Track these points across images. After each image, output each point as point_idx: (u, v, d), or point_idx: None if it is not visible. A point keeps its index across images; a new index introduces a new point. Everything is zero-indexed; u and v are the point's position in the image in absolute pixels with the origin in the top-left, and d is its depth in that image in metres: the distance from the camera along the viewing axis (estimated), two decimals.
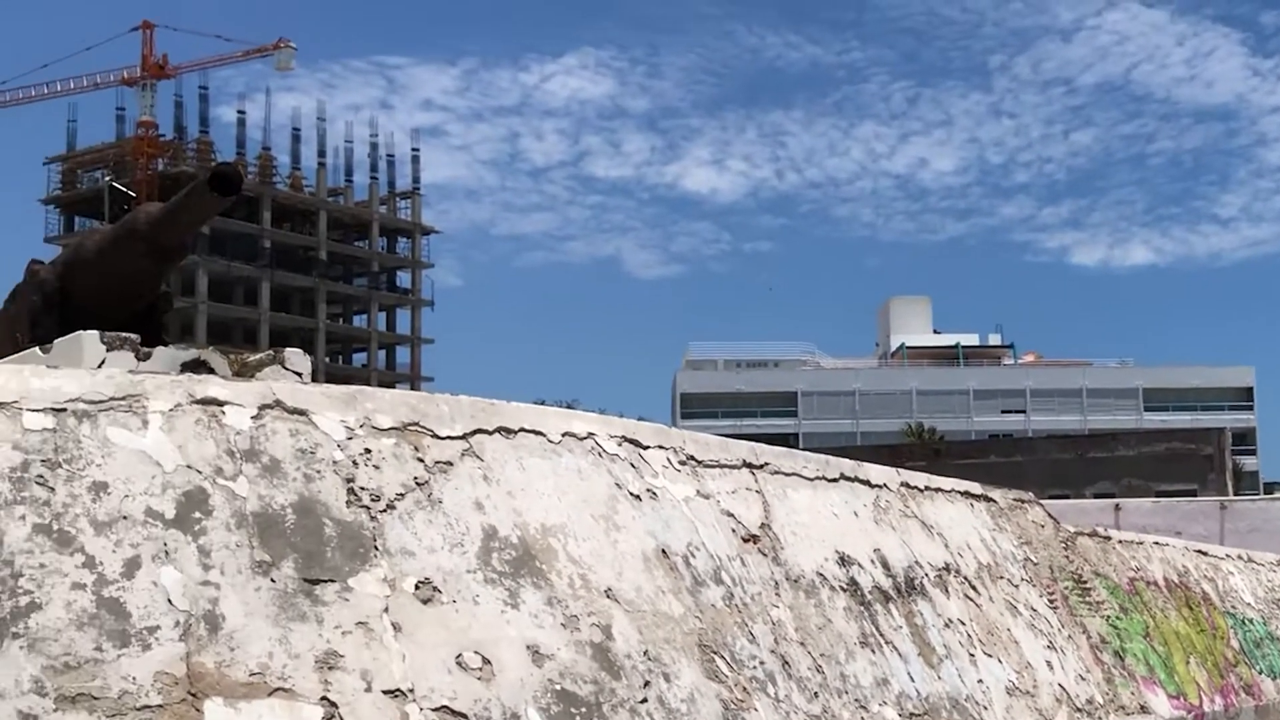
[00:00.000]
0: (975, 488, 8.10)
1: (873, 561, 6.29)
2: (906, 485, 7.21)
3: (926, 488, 7.45)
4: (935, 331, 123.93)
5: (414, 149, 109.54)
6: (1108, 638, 8.56)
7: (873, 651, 5.76)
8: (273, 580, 3.88)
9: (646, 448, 5.39)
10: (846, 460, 6.80)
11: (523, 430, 4.88)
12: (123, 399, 4.04)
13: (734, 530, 5.49)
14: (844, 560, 6.06)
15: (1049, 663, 7.41)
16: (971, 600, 6.99)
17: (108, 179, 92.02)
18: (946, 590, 6.79)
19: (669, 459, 5.46)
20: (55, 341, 5.17)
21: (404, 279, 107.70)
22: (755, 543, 5.56)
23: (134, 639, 3.57)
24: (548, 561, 4.51)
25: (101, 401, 4.00)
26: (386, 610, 4.01)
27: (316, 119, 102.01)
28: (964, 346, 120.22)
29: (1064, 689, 7.39)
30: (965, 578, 7.10)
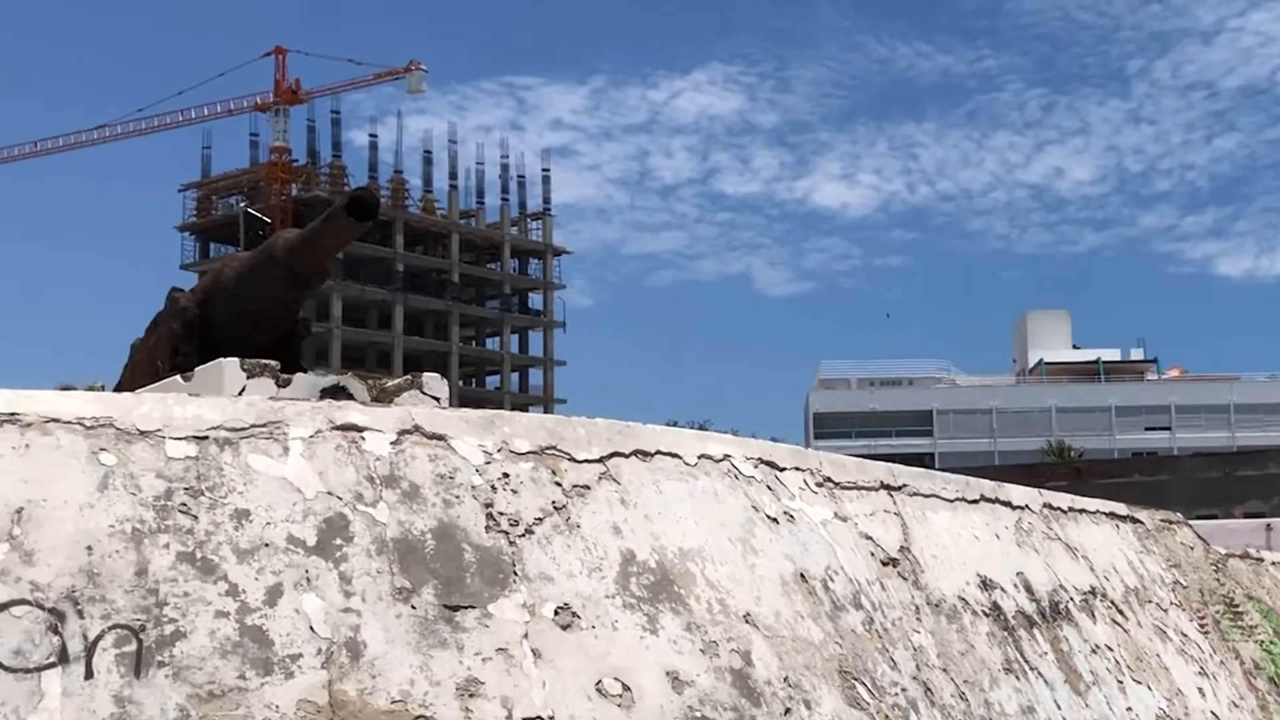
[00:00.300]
0: (1121, 508, 7.93)
1: (1016, 585, 6.17)
2: (1049, 506, 7.07)
3: (1070, 509, 7.30)
4: (1074, 346, 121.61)
5: (544, 169, 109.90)
6: (1262, 663, 8.32)
7: (1017, 678, 5.64)
8: (413, 607, 3.88)
9: (783, 470, 5.32)
10: (986, 481, 6.68)
11: (659, 453, 4.85)
12: (264, 426, 4.07)
13: (873, 553, 5.40)
14: (986, 584, 5.95)
15: (1200, 690, 7.22)
16: (1119, 625, 6.83)
17: (243, 205, 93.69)
18: (1093, 615, 6.64)
19: (805, 481, 5.40)
20: (196, 369, 5.23)
21: (536, 300, 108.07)
22: (895, 566, 5.47)
23: (277, 667, 3.59)
24: (686, 586, 4.47)
25: (243, 429, 4.03)
26: (526, 636, 4.00)
27: (448, 141, 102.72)
28: (1105, 362, 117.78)
29: (1216, 717, 7.19)
30: (1112, 602, 6.94)
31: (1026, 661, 5.80)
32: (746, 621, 4.52)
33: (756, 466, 5.18)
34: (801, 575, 4.89)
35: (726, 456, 5.08)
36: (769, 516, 5.00)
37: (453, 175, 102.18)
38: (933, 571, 5.66)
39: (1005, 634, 5.81)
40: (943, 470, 6.58)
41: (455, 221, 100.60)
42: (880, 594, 5.22)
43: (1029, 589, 6.26)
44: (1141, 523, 8.08)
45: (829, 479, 5.53)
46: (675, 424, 5.89)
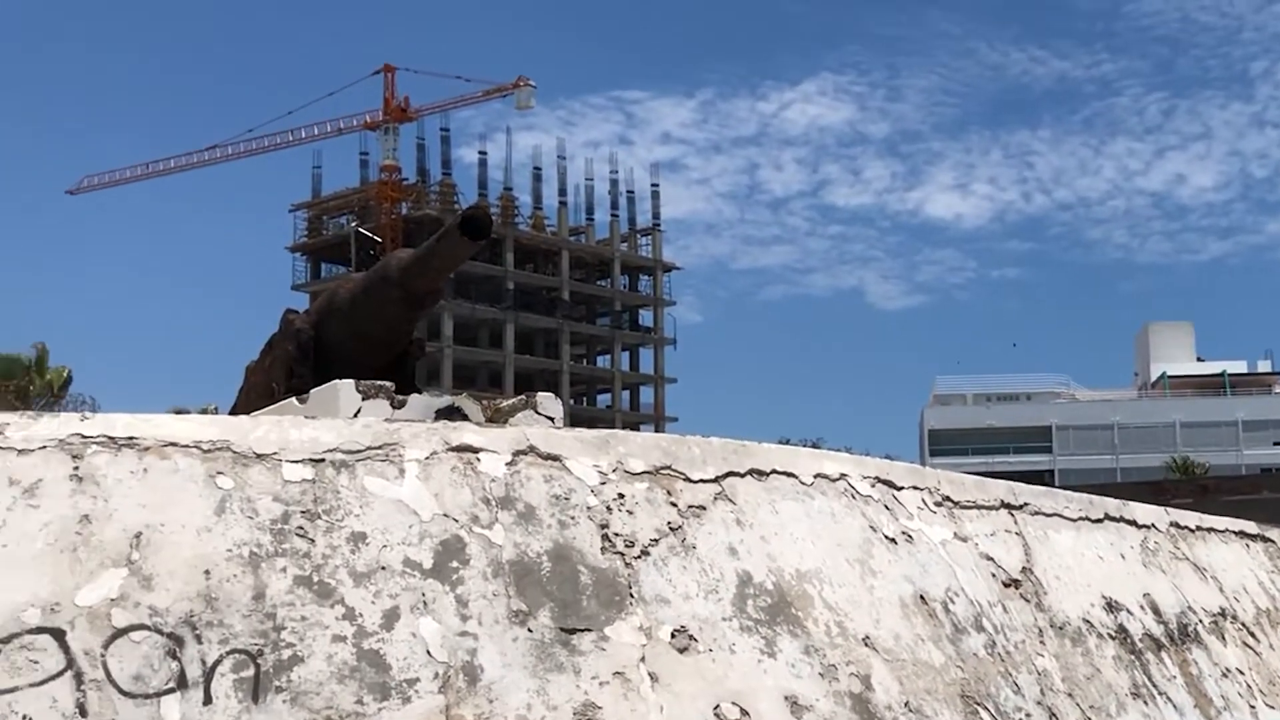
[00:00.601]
0: (1251, 527, 7.73)
1: (1142, 607, 6.02)
2: (1176, 525, 6.90)
3: (1198, 527, 7.13)
4: (1199, 359, 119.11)
5: (654, 184, 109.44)
6: None
7: (1145, 703, 5.50)
8: (530, 630, 3.86)
9: (900, 489, 5.25)
10: (1110, 499, 6.54)
11: (774, 472, 4.79)
12: (379, 448, 4.07)
13: (994, 575, 5.30)
14: (1111, 606, 5.81)
15: None
16: (1250, 648, 6.65)
17: (353, 225, 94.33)
18: (1223, 637, 6.47)
19: (924, 500, 5.31)
20: (311, 391, 5.25)
21: (646, 317, 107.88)
22: (1017, 588, 5.36)
23: (394, 691, 3.58)
24: (804, 608, 4.40)
25: (359, 451, 4.03)
26: (643, 660, 3.95)
27: (557, 157, 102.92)
28: (1231, 374, 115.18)
29: None
30: (1243, 624, 6.76)
31: (1155, 686, 5.66)
32: (866, 644, 4.45)
33: (874, 485, 5.11)
34: (921, 597, 4.81)
35: (843, 475, 5.01)
36: (887, 537, 4.93)
37: (562, 192, 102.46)
38: (1056, 593, 5.54)
39: (1132, 657, 5.68)
40: (1062, 488, 6.44)
41: (565, 238, 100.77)
42: (1002, 616, 5.12)
43: (1156, 611, 6.11)
44: (1273, 541, 7.88)
45: (948, 498, 5.44)
46: (788, 442, 5.80)
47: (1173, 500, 10.57)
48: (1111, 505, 6.44)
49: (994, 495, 5.71)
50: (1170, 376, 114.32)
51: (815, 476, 4.91)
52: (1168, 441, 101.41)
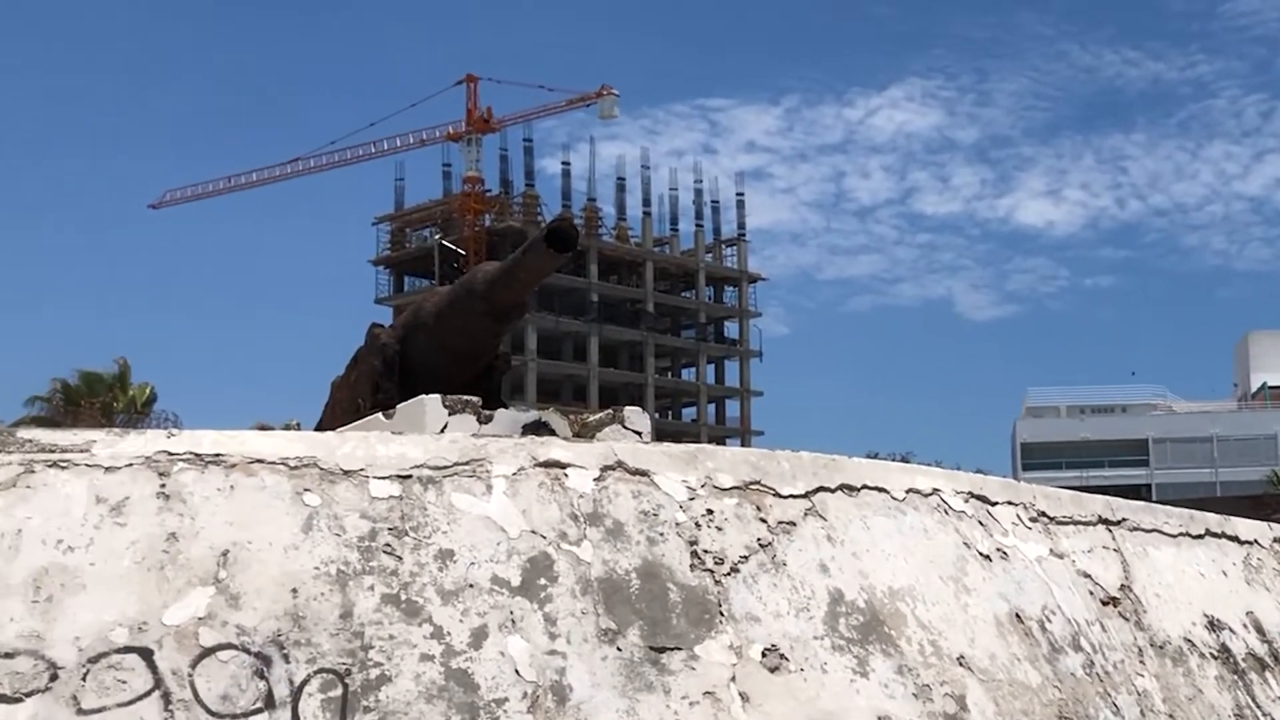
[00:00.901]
0: None
1: (1245, 626, 5.88)
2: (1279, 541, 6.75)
3: None
4: None
5: (738, 193, 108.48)
6: None
7: None
8: (619, 649, 3.81)
9: (995, 504, 5.15)
10: (1211, 515, 6.40)
11: (865, 487, 4.72)
12: (466, 464, 4.04)
13: (1091, 592, 5.19)
14: (1213, 624, 5.68)
15: None
16: None
17: (437, 237, 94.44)
18: None
19: (1019, 516, 5.21)
20: (398, 406, 5.24)
21: (731, 329, 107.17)
22: (1115, 606, 5.25)
23: (482, 711, 3.53)
24: (896, 627, 4.32)
25: (446, 467, 4.00)
26: (734, 679, 3.90)
27: (641, 167, 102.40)
28: None
29: None
30: None
31: (1259, 707, 5.52)
32: (960, 664, 4.36)
33: (967, 501, 5.02)
34: (1017, 615, 4.71)
35: (935, 491, 4.93)
36: (981, 553, 4.83)
37: (646, 202, 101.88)
38: (1156, 611, 5.42)
39: (1235, 677, 5.54)
40: (1160, 503, 6.31)
41: (649, 249, 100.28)
42: (1100, 635, 5.01)
43: (1260, 630, 5.96)
44: None
45: (1043, 513, 5.34)
46: (876, 456, 5.73)
47: (1275, 515, 10.34)
48: (1212, 520, 6.31)
49: (1091, 511, 5.60)
50: (1271, 387, 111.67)
51: (907, 492, 4.83)
52: (1269, 454, 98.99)
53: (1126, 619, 5.25)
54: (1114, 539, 5.57)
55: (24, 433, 3.79)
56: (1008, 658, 4.53)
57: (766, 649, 4.01)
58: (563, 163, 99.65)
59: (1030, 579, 4.93)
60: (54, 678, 3.32)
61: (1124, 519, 5.73)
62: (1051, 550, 5.19)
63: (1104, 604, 5.20)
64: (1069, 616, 4.93)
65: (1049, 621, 4.82)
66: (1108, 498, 5.86)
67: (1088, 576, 5.24)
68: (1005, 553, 4.94)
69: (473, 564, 3.81)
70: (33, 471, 3.65)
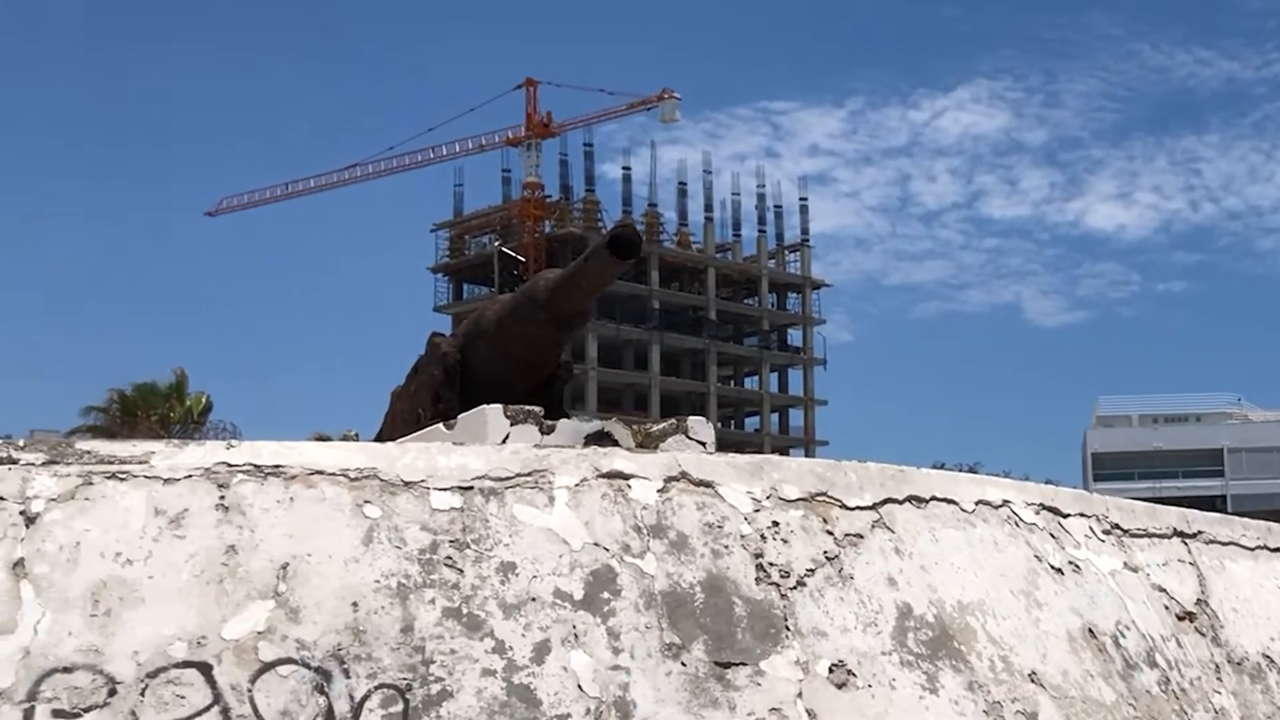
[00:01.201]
0: None
1: None
2: None
3: None
4: None
5: (802, 198, 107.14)
6: None
7: None
8: (683, 664, 3.75)
9: (1066, 516, 5.06)
10: None
11: (934, 499, 4.64)
12: (528, 475, 3.99)
13: (1167, 607, 5.09)
14: None
15: None
16: None
17: (496, 244, 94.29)
18: None
19: (1091, 528, 5.12)
20: (459, 417, 5.20)
21: (795, 337, 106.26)
22: (1191, 621, 5.14)
23: None
24: (966, 642, 4.25)
25: (508, 478, 3.96)
26: (800, 696, 3.83)
27: (703, 171, 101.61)
28: None
29: None
30: None
31: None
32: (1032, 681, 4.28)
33: (1038, 513, 4.94)
34: (1090, 631, 4.63)
35: (1006, 502, 4.84)
36: (1053, 567, 4.75)
37: (708, 207, 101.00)
38: (1233, 626, 5.31)
39: None
40: (1235, 514, 6.18)
41: (711, 255, 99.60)
42: (1176, 651, 4.91)
43: None
44: None
45: (1116, 525, 5.24)
46: (943, 466, 5.63)
47: None
48: None
49: (1166, 523, 5.49)
50: None
51: (977, 503, 4.75)
52: None
53: (1203, 634, 5.15)
54: (1189, 552, 5.47)
55: (82, 444, 3.78)
56: (1081, 674, 4.44)
57: (834, 665, 3.95)
58: (623, 167, 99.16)
59: (1103, 593, 4.84)
60: (112, 693, 3.29)
61: (1200, 531, 5.63)
62: (1125, 564, 5.10)
63: (1179, 619, 5.11)
64: (1143, 632, 4.84)
65: (1123, 637, 4.73)
66: (1182, 509, 5.75)
67: (1163, 591, 5.15)
68: (1078, 566, 4.85)
69: (535, 577, 3.76)
70: (91, 483, 3.63)
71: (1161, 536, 5.41)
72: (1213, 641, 5.16)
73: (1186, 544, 5.50)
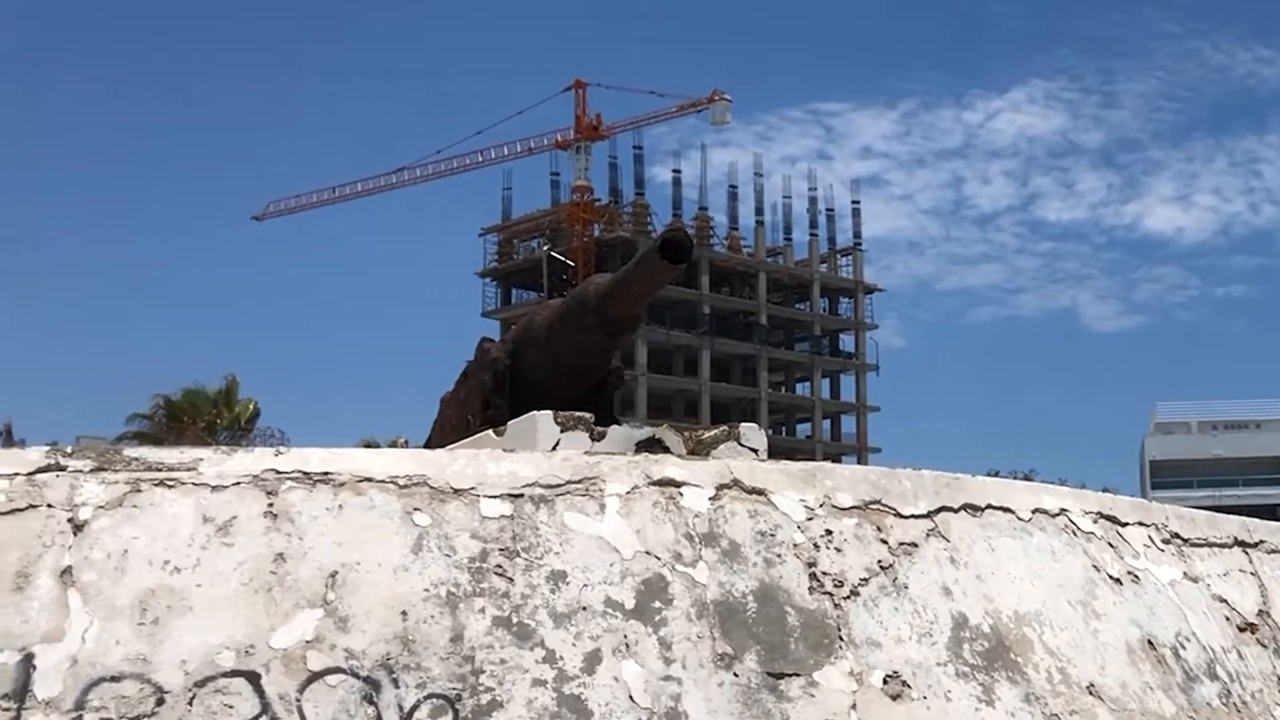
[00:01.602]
0: None
1: None
2: None
3: None
4: None
5: (854, 201, 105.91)
6: None
7: None
8: (735, 674, 3.71)
9: (1125, 525, 4.99)
10: None
11: (990, 507, 4.58)
12: (579, 482, 3.96)
13: (1228, 618, 5.02)
14: None
15: None
16: None
17: (545, 248, 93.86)
18: None
19: (1150, 537, 5.04)
20: (509, 423, 5.17)
21: (847, 342, 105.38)
22: (1253, 632, 5.06)
23: None
24: (1023, 653, 4.18)
25: (558, 485, 3.92)
26: (854, 707, 3.78)
27: (754, 174, 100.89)
28: None
29: None
30: None
31: None
32: (1090, 693, 4.22)
33: (1096, 522, 4.87)
34: (1149, 642, 4.56)
35: (1063, 511, 4.78)
36: (1111, 577, 4.68)
37: (759, 210, 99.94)
38: None
39: None
40: None
41: (762, 260, 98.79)
42: (1237, 663, 4.83)
43: None
44: None
45: (1176, 535, 5.16)
46: (997, 474, 5.54)
47: None
48: None
49: (1227, 532, 5.41)
50: None
51: (1033, 512, 4.68)
52: None
53: (1265, 646, 5.07)
54: (1251, 562, 5.39)
55: (130, 451, 3.77)
56: (1140, 686, 4.37)
57: (888, 675, 3.90)
58: (673, 170, 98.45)
59: (1163, 604, 4.77)
60: (160, 702, 3.28)
61: (1261, 541, 5.54)
62: (1185, 574, 5.02)
63: (1241, 630, 5.03)
64: (1204, 643, 4.76)
65: (1183, 648, 4.66)
66: (1243, 518, 5.68)
67: (1223, 601, 5.07)
68: (1136, 576, 4.79)
69: (585, 586, 3.72)
70: (139, 490, 3.61)
71: (1222, 546, 5.33)
72: (1275, 653, 5.09)
73: (1248, 554, 5.42)
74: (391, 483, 3.77)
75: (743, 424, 5.17)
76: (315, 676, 3.37)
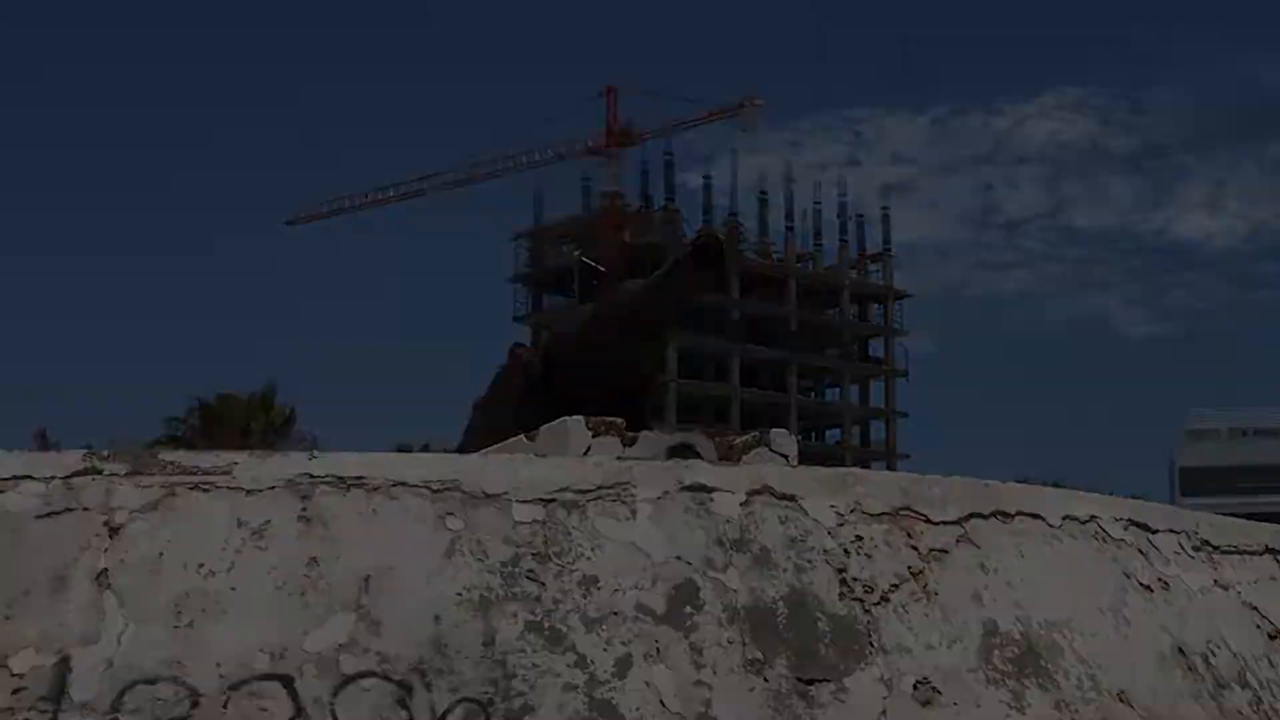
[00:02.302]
0: None
1: None
2: None
3: None
4: None
5: (884, 207, 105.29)
6: None
7: None
8: (766, 680, 3.72)
9: (1155, 532, 4.97)
10: None
11: (1020, 514, 4.58)
12: (611, 487, 3.97)
13: (1259, 626, 5.00)
14: None
15: None
16: None
17: (576, 253, 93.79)
18: None
19: (1181, 544, 5.03)
20: (541, 429, 5.19)
21: (876, 348, 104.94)
22: None
23: None
24: (1053, 660, 4.18)
25: (590, 490, 3.94)
26: (884, 713, 3.80)
27: (784, 180, 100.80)
28: None
29: None
30: None
31: None
32: (1120, 700, 4.21)
33: (1126, 528, 4.86)
34: (1180, 649, 4.55)
35: (1093, 518, 4.77)
36: (1142, 584, 4.67)
37: (788, 216, 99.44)
38: None
39: None
40: None
41: (792, 265, 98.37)
42: (1268, 671, 4.82)
43: None
44: None
45: (1207, 542, 5.15)
46: (1026, 480, 5.50)
47: None
48: None
49: (1258, 540, 5.39)
50: None
51: (1063, 518, 4.68)
52: None
53: None
54: None
55: (166, 455, 3.80)
56: (1170, 693, 4.37)
57: (918, 681, 3.90)
58: (704, 176, 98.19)
59: (1194, 611, 4.76)
60: (195, 705, 3.31)
61: None
62: (1216, 581, 5.01)
63: (1272, 638, 5.01)
64: (1235, 651, 4.75)
65: (1213, 656, 4.65)
66: (1276, 526, 5.65)
67: (1255, 609, 5.05)
68: (1167, 583, 4.78)
69: (617, 590, 3.74)
70: (174, 494, 3.65)
71: (1253, 553, 5.31)
72: None
73: (1279, 561, 5.39)
74: (425, 487, 3.79)
75: (773, 430, 5.19)
76: (348, 680, 3.39)
